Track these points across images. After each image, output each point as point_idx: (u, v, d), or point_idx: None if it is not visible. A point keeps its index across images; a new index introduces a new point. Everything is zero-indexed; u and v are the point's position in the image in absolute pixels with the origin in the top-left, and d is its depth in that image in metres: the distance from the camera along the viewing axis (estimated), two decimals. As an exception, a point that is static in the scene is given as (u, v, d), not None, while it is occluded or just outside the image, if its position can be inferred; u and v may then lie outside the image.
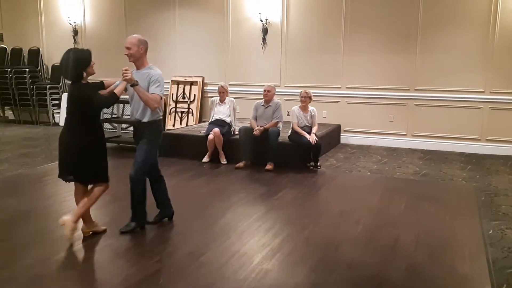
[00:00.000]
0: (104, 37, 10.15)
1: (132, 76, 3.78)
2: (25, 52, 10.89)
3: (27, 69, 10.50)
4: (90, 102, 3.75)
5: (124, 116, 9.08)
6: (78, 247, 3.82)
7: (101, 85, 4.05)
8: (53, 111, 10.53)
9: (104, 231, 4.10)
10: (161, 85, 3.96)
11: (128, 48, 3.93)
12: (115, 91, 3.85)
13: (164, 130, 8.85)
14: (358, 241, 4.00)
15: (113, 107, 8.89)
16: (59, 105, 10.43)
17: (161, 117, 4.17)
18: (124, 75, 3.75)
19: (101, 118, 4.01)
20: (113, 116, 8.87)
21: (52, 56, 10.78)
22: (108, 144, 7.67)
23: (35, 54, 10.81)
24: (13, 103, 10.68)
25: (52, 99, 10.42)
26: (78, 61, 3.75)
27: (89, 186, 3.98)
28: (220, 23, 9.23)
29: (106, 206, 4.83)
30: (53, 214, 4.56)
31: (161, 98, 3.99)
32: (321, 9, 8.53)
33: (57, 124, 10.35)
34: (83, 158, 3.79)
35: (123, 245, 3.89)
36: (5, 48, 11.05)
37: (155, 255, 3.64)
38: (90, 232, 4.02)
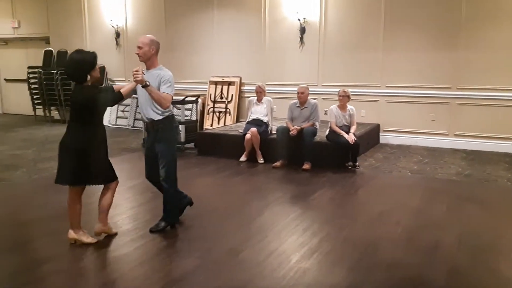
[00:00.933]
0: (144, 39, 10.40)
1: (143, 77, 3.75)
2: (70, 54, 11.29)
3: (72, 71, 10.87)
4: (93, 102, 3.69)
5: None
6: (121, 243, 3.94)
7: (111, 89, 4.00)
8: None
9: (116, 234, 4.08)
10: (172, 86, 3.95)
11: (139, 48, 3.95)
12: (122, 90, 3.83)
13: (202, 129, 8.98)
14: (398, 242, 3.94)
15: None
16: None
17: (173, 113, 4.16)
18: (135, 76, 3.70)
19: (103, 121, 3.95)
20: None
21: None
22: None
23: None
24: (59, 103, 11.10)
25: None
26: (82, 62, 3.72)
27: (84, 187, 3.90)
28: (258, 23, 9.27)
29: (148, 204, 4.95)
30: (96, 210, 4.71)
31: (172, 98, 3.98)
32: (360, 6, 8.43)
33: (100, 124, 10.67)
34: (92, 161, 3.74)
35: (164, 241, 3.98)
36: (51, 50, 11.50)
37: (195, 251, 3.70)
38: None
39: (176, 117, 8.86)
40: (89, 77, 3.75)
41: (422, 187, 5.71)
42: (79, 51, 3.80)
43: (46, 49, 11.60)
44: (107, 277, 3.31)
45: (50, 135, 9.35)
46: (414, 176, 6.24)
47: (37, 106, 11.54)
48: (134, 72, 3.71)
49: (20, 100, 12.50)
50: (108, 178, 3.94)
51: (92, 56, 3.76)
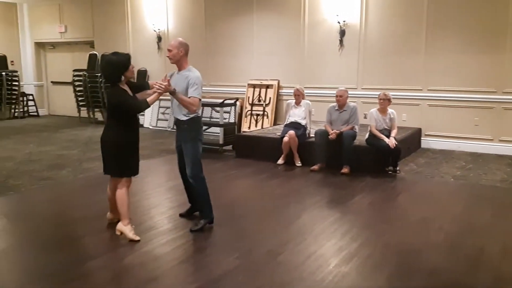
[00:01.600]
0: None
1: (168, 86, 3.91)
2: (114, 58, 11.65)
3: (115, 74, 11.22)
4: (121, 106, 3.93)
5: (203, 119, 9.39)
6: (162, 241, 4.03)
7: (146, 85, 4.32)
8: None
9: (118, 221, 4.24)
10: (199, 88, 4.11)
11: (169, 50, 4.16)
12: (148, 99, 3.99)
13: (240, 132, 9.06)
14: (441, 249, 3.85)
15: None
16: (143, 108, 11.03)
17: (199, 114, 4.32)
18: (158, 89, 3.92)
19: (136, 119, 4.17)
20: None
21: (138, 61, 11.43)
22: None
23: (122, 59, 11.53)
24: (102, 105, 11.47)
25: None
26: (117, 64, 3.91)
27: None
28: (297, 26, 9.28)
29: (187, 204, 5.03)
30: (139, 209, 4.86)
31: (200, 100, 4.14)
32: (402, 8, 8.29)
33: (141, 126, 10.93)
34: (111, 154, 4.04)
35: (203, 241, 4.06)
36: (96, 54, 11.90)
37: (234, 251, 3.75)
38: (115, 220, 4.25)
39: (215, 120, 9.11)
40: (123, 77, 3.96)
41: (466, 193, 5.55)
42: (114, 54, 4.01)
43: (90, 52, 12.02)
44: (149, 275, 3.40)
45: (94, 136, 9.67)
46: (457, 182, 6.08)
47: (82, 108, 11.97)
48: (157, 85, 3.92)
49: (65, 102, 13.00)
50: (123, 174, 4.09)
51: (126, 58, 3.97)
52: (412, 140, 7.88)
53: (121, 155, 4.05)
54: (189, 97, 4.06)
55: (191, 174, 4.22)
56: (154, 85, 4.02)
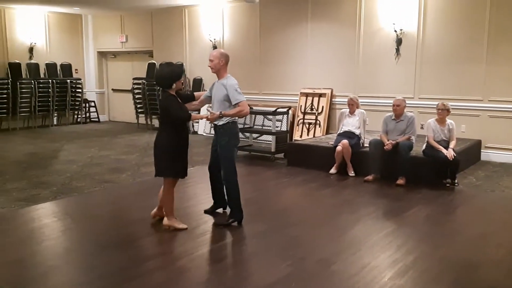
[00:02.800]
0: (240, 52, 10.79)
1: (214, 115, 4.40)
2: (171, 67, 12.04)
3: (172, 82, 11.60)
4: (167, 112, 4.31)
5: (255, 126, 9.54)
6: (215, 246, 4.13)
7: (191, 96, 4.75)
8: (192, 121, 11.45)
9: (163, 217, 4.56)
10: (239, 91, 4.42)
11: (211, 61, 4.48)
12: (193, 115, 4.43)
13: (292, 140, 9.08)
14: (500, 265, 3.70)
15: (245, 118, 9.37)
16: (197, 115, 11.31)
17: (234, 120, 4.53)
18: (208, 119, 4.48)
19: (185, 125, 4.53)
20: (246, 126, 9.35)
21: (194, 70, 11.77)
22: (240, 152, 8.22)
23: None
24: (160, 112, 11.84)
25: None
26: (172, 73, 4.33)
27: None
28: (352, 35, 9.21)
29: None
30: (194, 214, 5.00)
31: (245, 101, 4.46)
32: (462, 16, 8.04)
33: (196, 133, 11.22)
34: (158, 155, 4.38)
35: (256, 247, 4.11)
36: (155, 63, 12.35)
37: (287, 259, 3.77)
38: (157, 217, 4.64)
39: (267, 128, 9.20)
40: (174, 85, 4.33)
41: (530, 209, 5.28)
42: (170, 64, 4.46)
43: (149, 61, 12.49)
44: (201, 278, 3.49)
45: (151, 142, 9.90)
46: (520, 197, 5.79)
47: (140, 115, 12.43)
48: (209, 118, 4.46)
49: (125, 109, 13.55)
50: (164, 174, 4.41)
51: (181, 70, 4.44)
52: (471, 152, 7.58)
53: (169, 157, 4.33)
54: (234, 104, 4.41)
55: (225, 177, 4.51)
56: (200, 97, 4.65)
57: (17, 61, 11.83)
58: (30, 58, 12.23)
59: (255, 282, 3.40)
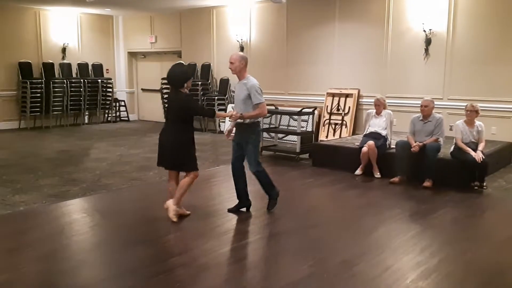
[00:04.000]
0: (266, 52, 10.83)
1: (236, 116, 4.68)
2: (199, 67, 12.20)
3: (199, 82, 11.75)
4: (188, 107, 4.61)
5: (281, 127, 9.56)
6: (239, 244, 4.18)
7: (212, 112, 5.39)
8: (219, 121, 11.57)
9: (188, 215, 4.81)
10: (260, 92, 4.66)
11: (231, 63, 4.71)
12: (218, 113, 4.93)
13: (317, 141, 9.07)
14: (530, 272, 3.61)
15: (270, 118, 9.42)
16: (224, 115, 11.42)
17: (259, 120, 4.90)
18: (231, 117, 4.78)
19: (193, 121, 4.77)
20: (271, 126, 9.38)
21: (221, 70, 11.87)
22: (265, 152, 8.30)
23: (206, 68, 12.05)
24: (186, 112, 12.00)
25: (220, 110, 11.40)
26: (186, 75, 4.65)
27: (181, 175, 4.74)
28: (380, 35, 9.12)
29: (263, 209, 5.14)
30: (218, 212, 5.07)
31: (264, 103, 4.70)
32: (493, 16, 7.85)
33: (222, 132, 11.31)
34: (177, 151, 4.55)
35: (278, 247, 4.15)
36: (182, 63, 12.50)
37: (309, 259, 3.79)
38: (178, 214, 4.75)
39: (292, 128, 9.22)
40: (186, 85, 4.59)
41: (562, 214, 5.13)
42: (182, 64, 4.63)
43: (178, 62, 12.66)
44: (224, 276, 3.55)
45: (178, 141, 10.16)
46: (552, 201, 5.63)
47: (168, 114, 12.62)
48: (232, 117, 4.76)
49: (153, 108, 13.79)
50: (190, 168, 4.65)
51: (193, 69, 4.59)
52: (501, 155, 7.39)
53: (193, 152, 4.66)
54: (254, 105, 4.67)
55: (254, 170, 4.82)
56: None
57: (51, 61, 12.21)
58: (63, 58, 12.59)
59: (276, 282, 3.43)
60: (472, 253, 3.99)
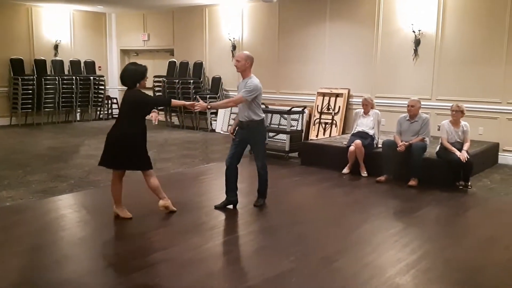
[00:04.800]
0: (258, 51, 10.85)
1: (203, 105, 4.75)
2: (191, 65, 12.23)
3: (191, 80, 11.78)
4: (144, 102, 4.59)
5: (272, 125, 9.61)
6: (223, 240, 4.24)
7: (168, 100, 5.18)
8: (211, 119, 11.60)
9: (175, 211, 4.83)
10: (251, 92, 4.74)
11: (237, 61, 4.85)
12: (173, 101, 4.94)
13: (308, 140, 9.12)
14: (506, 268, 3.69)
15: (266, 118, 9.47)
16: (216, 114, 11.45)
17: (262, 118, 4.97)
18: (195, 109, 4.87)
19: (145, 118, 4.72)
20: (262, 124, 9.41)
21: (213, 69, 11.91)
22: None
23: (199, 67, 12.08)
24: (178, 110, 12.05)
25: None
26: (136, 72, 4.57)
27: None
28: (370, 35, 9.19)
29: (250, 205, 5.19)
30: (205, 208, 5.11)
31: (246, 100, 4.75)
32: (481, 17, 7.93)
33: (213, 131, 11.36)
34: (134, 150, 4.52)
35: (262, 242, 4.21)
36: (175, 61, 12.54)
37: (290, 255, 3.84)
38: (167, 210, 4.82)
39: (282, 127, 9.27)
40: (138, 85, 4.59)
41: (543, 213, 5.21)
42: (134, 63, 4.68)
43: (170, 60, 12.69)
44: (208, 270, 3.59)
45: (170, 139, 10.20)
46: (534, 200, 5.72)
47: (160, 112, 12.64)
48: (194, 107, 4.82)
49: (145, 106, 13.79)
50: (147, 166, 4.66)
51: (144, 69, 4.63)
52: (487, 155, 7.49)
53: (145, 149, 4.65)
54: (232, 97, 4.99)
55: (262, 165, 5.03)
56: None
57: (43, 58, 12.19)
58: (55, 55, 12.57)
59: (257, 275, 3.48)
60: (451, 250, 4.06)
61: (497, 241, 4.29)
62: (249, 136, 4.95)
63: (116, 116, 13.57)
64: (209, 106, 4.95)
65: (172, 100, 4.94)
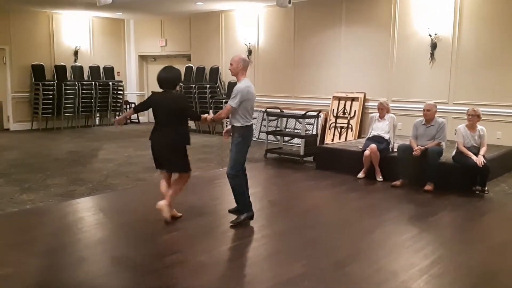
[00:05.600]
0: (273, 56, 10.94)
1: (209, 118, 4.91)
2: (207, 70, 12.35)
3: (207, 85, 11.90)
4: (187, 111, 4.81)
5: (288, 130, 9.64)
6: (236, 243, 4.28)
7: (199, 117, 5.14)
8: (226, 123, 11.64)
9: (180, 216, 4.87)
10: (236, 97, 4.57)
11: (231, 64, 4.76)
12: (202, 116, 4.97)
13: (323, 144, 9.13)
14: (521, 275, 3.64)
15: (277, 121, 9.53)
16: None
17: (250, 123, 4.73)
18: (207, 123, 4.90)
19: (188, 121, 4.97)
20: (277, 129, 9.47)
21: (229, 73, 11.91)
22: (270, 155, 8.38)
23: (215, 72, 12.20)
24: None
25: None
26: (179, 75, 4.83)
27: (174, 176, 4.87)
28: (386, 39, 9.16)
29: (264, 210, 5.25)
30: (220, 212, 5.17)
31: (233, 108, 4.61)
32: (498, 21, 7.85)
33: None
34: (181, 152, 4.71)
35: (274, 246, 4.23)
36: (192, 66, 12.69)
37: (303, 258, 3.87)
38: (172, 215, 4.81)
39: (297, 131, 9.26)
40: (178, 87, 4.86)
41: (562, 219, 5.13)
42: (171, 67, 4.82)
43: (187, 65, 12.84)
44: (222, 272, 3.65)
45: (185, 143, 10.30)
46: (553, 206, 5.62)
47: (176, 116, 12.77)
48: (207, 122, 5.07)
49: (163, 111, 13.95)
50: (184, 169, 4.79)
51: (180, 72, 4.90)
52: (505, 160, 7.37)
53: (187, 153, 4.79)
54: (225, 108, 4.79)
55: (228, 172, 4.73)
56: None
57: (63, 64, 12.47)
58: (75, 61, 12.84)
59: (269, 279, 3.51)
60: (466, 255, 4.03)
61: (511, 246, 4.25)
62: (232, 138, 4.79)
63: (135, 120, 13.68)
64: (212, 118, 4.95)
65: (202, 116, 5.00)
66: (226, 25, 12.06)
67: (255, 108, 4.89)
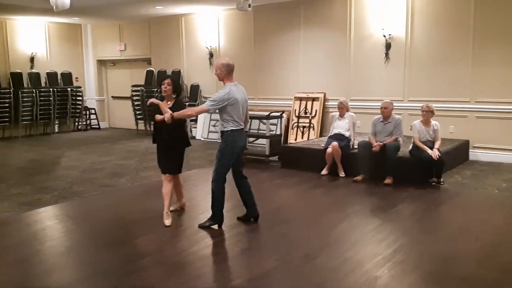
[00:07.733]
0: (235, 58, 10.76)
1: (166, 118, 4.74)
2: (169, 73, 12.33)
3: (169, 89, 11.88)
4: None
5: (252, 131, 9.80)
6: (209, 243, 4.39)
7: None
8: (190, 126, 11.72)
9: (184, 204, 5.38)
10: (213, 102, 4.58)
11: (215, 70, 4.81)
12: (158, 117, 4.96)
13: (286, 143, 9.34)
14: (476, 258, 3.94)
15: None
16: (196, 121, 11.57)
17: (233, 129, 4.63)
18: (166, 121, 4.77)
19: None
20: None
21: (191, 76, 12.06)
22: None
23: (177, 75, 12.19)
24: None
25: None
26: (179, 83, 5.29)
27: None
28: (343, 40, 9.49)
29: (236, 209, 5.35)
30: (188, 214, 5.25)
31: (205, 109, 4.80)
32: (448, 20, 8.31)
33: (194, 137, 11.47)
34: (182, 154, 5.09)
35: (247, 243, 4.38)
36: (153, 70, 12.64)
37: (274, 253, 4.03)
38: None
39: (261, 132, 9.41)
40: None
41: (508, 205, 5.52)
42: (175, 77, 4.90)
43: (147, 69, 12.78)
44: (196, 272, 3.75)
45: (150, 147, 10.24)
46: (501, 194, 6.03)
47: (139, 121, 12.70)
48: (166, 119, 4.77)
49: (124, 116, 13.83)
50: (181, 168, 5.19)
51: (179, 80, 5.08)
52: (458, 152, 7.83)
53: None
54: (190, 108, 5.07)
55: (213, 179, 4.73)
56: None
57: (19, 71, 12.13)
58: (31, 67, 12.53)
59: (243, 275, 3.66)
60: (425, 242, 4.31)
61: (467, 233, 4.56)
62: (220, 143, 4.79)
63: (95, 126, 13.44)
64: (172, 116, 4.73)
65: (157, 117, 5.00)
66: (186, 28, 12.10)
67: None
